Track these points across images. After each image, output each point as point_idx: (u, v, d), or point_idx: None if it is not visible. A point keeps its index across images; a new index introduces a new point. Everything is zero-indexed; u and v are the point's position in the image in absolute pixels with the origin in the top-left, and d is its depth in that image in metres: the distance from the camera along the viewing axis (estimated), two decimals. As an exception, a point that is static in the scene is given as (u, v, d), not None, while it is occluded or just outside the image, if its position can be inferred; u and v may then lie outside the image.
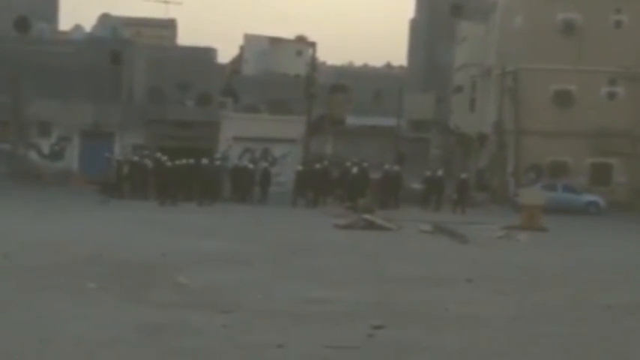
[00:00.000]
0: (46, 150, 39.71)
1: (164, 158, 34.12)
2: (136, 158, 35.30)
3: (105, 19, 44.97)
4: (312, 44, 53.14)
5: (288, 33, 70.97)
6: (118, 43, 42.21)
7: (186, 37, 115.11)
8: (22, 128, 40.03)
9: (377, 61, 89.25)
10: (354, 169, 34.63)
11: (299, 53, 57.59)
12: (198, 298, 12.15)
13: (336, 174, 35.51)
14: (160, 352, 8.99)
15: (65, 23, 51.86)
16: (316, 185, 34.61)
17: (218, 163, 35.61)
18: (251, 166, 36.22)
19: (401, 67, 68.38)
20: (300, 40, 60.57)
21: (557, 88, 40.30)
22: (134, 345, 9.29)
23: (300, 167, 35.73)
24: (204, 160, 34.18)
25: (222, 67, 52.78)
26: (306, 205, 33.44)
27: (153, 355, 8.87)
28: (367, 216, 26.18)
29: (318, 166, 35.60)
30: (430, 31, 55.48)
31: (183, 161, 33.76)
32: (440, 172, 35.93)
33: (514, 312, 12.22)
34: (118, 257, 15.98)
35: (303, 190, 34.48)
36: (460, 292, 13.96)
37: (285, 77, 51.55)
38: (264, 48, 57.33)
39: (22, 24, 42.79)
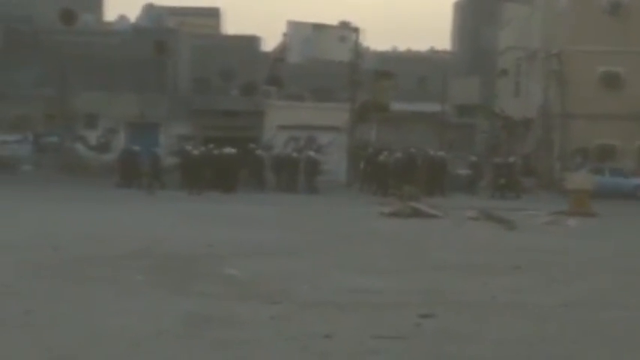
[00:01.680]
0: (93, 142, 40.10)
1: (208, 147, 34.30)
2: (183, 148, 35.53)
3: (149, 9, 45.33)
4: (356, 30, 52.84)
5: (331, 19, 70.71)
6: (163, 33, 42.49)
7: (230, 25, 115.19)
8: (69, 121, 40.49)
9: (421, 46, 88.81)
10: (399, 155, 34.55)
11: (342, 39, 57.31)
12: (245, 289, 12.16)
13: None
14: (207, 344, 9.00)
15: (110, 14, 52.42)
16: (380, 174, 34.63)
17: (260, 152, 35.68)
18: (295, 154, 36.22)
19: (445, 52, 67.77)
20: (344, 25, 60.29)
21: (604, 69, 39.74)
22: (181, 337, 9.31)
23: (370, 151, 35.45)
24: (245, 148, 34.19)
25: (267, 55, 52.83)
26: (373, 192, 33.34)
27: (200, 347, 8.88)
28: (413, 203, 26.05)
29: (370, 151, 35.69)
30: (474, 14, 55.00)
31: (225, 150, 33.87)
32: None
33: (564, 299, 12.03)
34: (164, 249, 16.06)
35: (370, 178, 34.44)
36: (508, 279, 13.79)
37: (329, 64, 51.41)
38: (307, 35, 57.20)
39: (68, 16, 43.24)
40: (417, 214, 24.64)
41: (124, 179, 34.24)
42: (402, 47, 76.28)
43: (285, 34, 59.93)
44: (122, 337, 9.16)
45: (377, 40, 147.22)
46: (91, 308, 10.63)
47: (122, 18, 46.05)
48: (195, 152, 34.24)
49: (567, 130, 39.74)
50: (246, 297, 11.58)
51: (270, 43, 70.19)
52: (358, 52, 46.99)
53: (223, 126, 39.24)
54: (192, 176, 33.12)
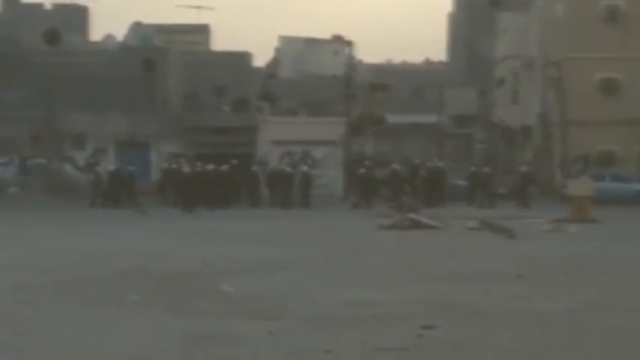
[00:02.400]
0: (81, 162, 39.57)
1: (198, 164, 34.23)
2: (173, 166, 35.37)
3: (137, 27, 45.20)
4: (349, 43, 52.83)
5: (323, 33, 70.73)
6: (151, 51, 42.22)
7: (220, 42, 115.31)
8: (57, 141, 40.14)
9: (416, 58, 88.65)
10: (396, 166, 34.50)
11: (336, 53, 57.22)
12: (242, 306, 11.92)
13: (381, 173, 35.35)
14: (205, 363, 8.77)
15: (96, 34, 52.12)
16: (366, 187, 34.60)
17: (254, 168, 35.53)
18: (288, 169, 36.05)
19: (441, 63, 67.82)
20: (337, 39, 60.24)
21: (603, 76, 39.66)
22: (179, 356, 9.09)
23: (362, 170, 35.32)
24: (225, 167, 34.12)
25: (258, 70, 52.71)
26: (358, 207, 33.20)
27: (197, 366, 8.64)
28: (412, 215, 25.82)
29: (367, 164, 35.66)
30: (469, 24, 55.00)
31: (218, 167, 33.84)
32: (486, 169, 35.51)
33: (567, 306, 11.83)
34: (159, 268, 15.81)
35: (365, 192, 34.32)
36: (511, 288, 13.57)
37: (322, 78, 51.29)
38: (299, 49, 57.10)
39: (52, 36, 42.95)
40: (416, 225, 24.41)
41: (110, 200, 33.98)
42: (397, 60, 76.28)
43: (276, 49, 59.88)
44: (118, 358, 8.91)
45: (371, 53, 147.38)
46: (85, 330, 10.39)
47: (109, 37, 45.95)
48: (186, 170, 34.07)
49: (567, 137, 39.62)
50: (244, 314, 11.35)
51: (261, 58, 70.20)
52: (352, 65, 46.94)
53: (215, 143, 39.00)
54: (184, 194, 32.97)
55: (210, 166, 34.13)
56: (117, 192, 34.48)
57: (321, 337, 9.87)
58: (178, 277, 14.69)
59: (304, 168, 36.69)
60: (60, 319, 11.02)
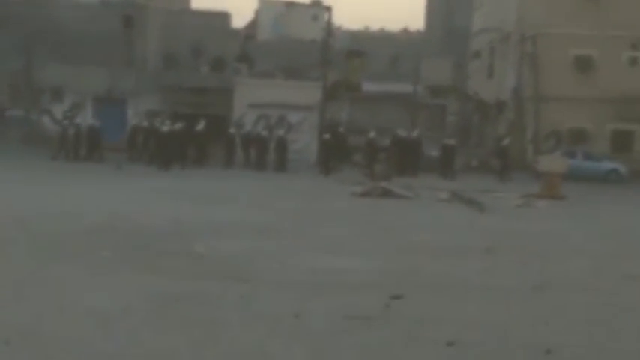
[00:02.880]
0: (59, 116, 39.30)
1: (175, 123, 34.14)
2: (144, 124, 35.23)
3: (117, -18, 44.58)
4: (328, 8, 52.59)
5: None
6: (131, 7, 41.86)
7: (199, 1, 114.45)
8: (35, 94, 39.85)
9: (394, 26, 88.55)
10: (372, 134, 34.53)
11: (314, 18, 57.11)
12: (214, 268, 11.99)
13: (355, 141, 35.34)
14: (175, 322, 8.84)
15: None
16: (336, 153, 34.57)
17: (231, 130, 35.47)
18: (264, 133, 36.02)
19: (418, 32, 67.78)
20: (316, 4, 60.03)
21: (578, 53, 39.81)
22: (148, 315, 9.15)
23: (327, 135, 35.33)
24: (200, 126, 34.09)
25: (237, 32, 52.37)
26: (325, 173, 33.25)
27: (168, 325, 8.72)
28: (384, 184, 25.95)
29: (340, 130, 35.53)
30: (448, -5, 54.87)
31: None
32: (452, 141, 35.59)
33: (535, 282, 11.99)
34: (132, 225, 15.82)
35: (329, 158, 34.29)
36: (479, 261, 13.74)
37: (300, 42, 51.12)
38: (279, 12, 56.88)
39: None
40: (388, 194, 24.54)
41: (74, 154, 33.62)
42: (375, 27, 76.22)
43: (256, 11, 59.54)
44: (88, 315, 8.99)
45: (350, 19, 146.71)
46: (55, 285, 10.42)
47: (90, -9, 45.32)
48: (165, 128, 33.94)
49: (540, 112, 39.81)
50: (215, 275, 11.42)
51: (240, 19, 69.73)
52: (330, 30, 46.75)
53: (192, 102, 38.83)
54: (161, 152, 32.91)
55: (180, 125, 33.92)
56: (82, 146, 34.19)
57: (291, 302, 9.98)
58: (151, 235, 14.70)
59: (280, 132, 36.64)
60: (30, 275, 11.02)
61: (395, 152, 34.49)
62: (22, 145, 36.92)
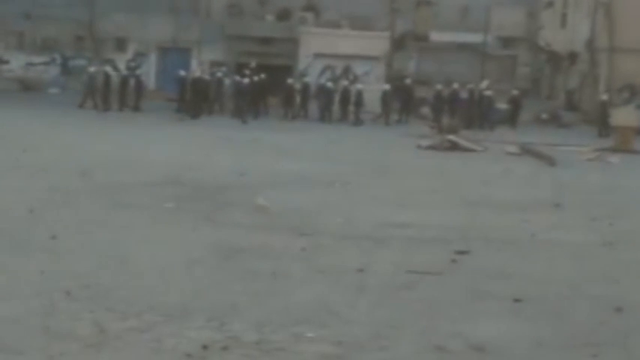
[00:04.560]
0: (122, 66, 39.36)
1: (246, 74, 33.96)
2: (210, 75, 35.07)
3: None
4: (397, -42, 51.59)
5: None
6: None
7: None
8: (98, 44, 40.01)
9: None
10: (439, 87, 34.06)
11: (383, -33, 56.08)
12: (276, 220, 11.89)
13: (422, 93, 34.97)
14: (237, 275, 8.77)
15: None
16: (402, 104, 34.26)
17: (290, 80, 35.05)
18: (330, 84, 35.57)
19: (489, -18, 66.18)
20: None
21: (655, 2, 38.43)
22: (211, 267, 9.11)
23: (387, 86, 34.97)
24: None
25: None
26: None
27: (230, 278, 8.65)
28: (451, 137, 25.54)
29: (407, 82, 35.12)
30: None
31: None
32: (516, 92, 34.99)
33: (604, 238, 11.66)
34: (196, 177, 15.78)
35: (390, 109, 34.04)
36: (548, 217, 13.41)
37: (368, -8, 50.32)
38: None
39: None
40: (455, 147, 24.16)
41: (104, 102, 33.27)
42: (445, -24, 74.59)
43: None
44: (151, 266, 8.97)
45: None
46: (119, 236, 10.44)
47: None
48: (246, 81, 33.53)
49: (614, 65, 38.69)
50: (278, 228, 11.32)
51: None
52: (399, -21, 45.88)
53: (257, 52, 38.52)
54: (241, 104, 32.69)
55: (262, 76, 33.73)
56: (127, 95, 34.01)
57: (354, 256, 9.83)
58: (214, 187, 14.67)
59: (345, 83, 36.20)
60: (94, 224, 11.06)
61: (463, 105, 33.94)
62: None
